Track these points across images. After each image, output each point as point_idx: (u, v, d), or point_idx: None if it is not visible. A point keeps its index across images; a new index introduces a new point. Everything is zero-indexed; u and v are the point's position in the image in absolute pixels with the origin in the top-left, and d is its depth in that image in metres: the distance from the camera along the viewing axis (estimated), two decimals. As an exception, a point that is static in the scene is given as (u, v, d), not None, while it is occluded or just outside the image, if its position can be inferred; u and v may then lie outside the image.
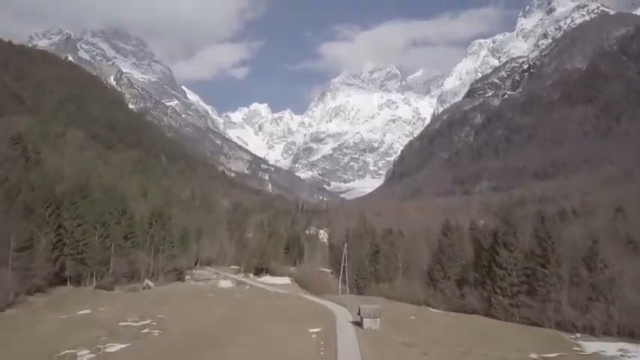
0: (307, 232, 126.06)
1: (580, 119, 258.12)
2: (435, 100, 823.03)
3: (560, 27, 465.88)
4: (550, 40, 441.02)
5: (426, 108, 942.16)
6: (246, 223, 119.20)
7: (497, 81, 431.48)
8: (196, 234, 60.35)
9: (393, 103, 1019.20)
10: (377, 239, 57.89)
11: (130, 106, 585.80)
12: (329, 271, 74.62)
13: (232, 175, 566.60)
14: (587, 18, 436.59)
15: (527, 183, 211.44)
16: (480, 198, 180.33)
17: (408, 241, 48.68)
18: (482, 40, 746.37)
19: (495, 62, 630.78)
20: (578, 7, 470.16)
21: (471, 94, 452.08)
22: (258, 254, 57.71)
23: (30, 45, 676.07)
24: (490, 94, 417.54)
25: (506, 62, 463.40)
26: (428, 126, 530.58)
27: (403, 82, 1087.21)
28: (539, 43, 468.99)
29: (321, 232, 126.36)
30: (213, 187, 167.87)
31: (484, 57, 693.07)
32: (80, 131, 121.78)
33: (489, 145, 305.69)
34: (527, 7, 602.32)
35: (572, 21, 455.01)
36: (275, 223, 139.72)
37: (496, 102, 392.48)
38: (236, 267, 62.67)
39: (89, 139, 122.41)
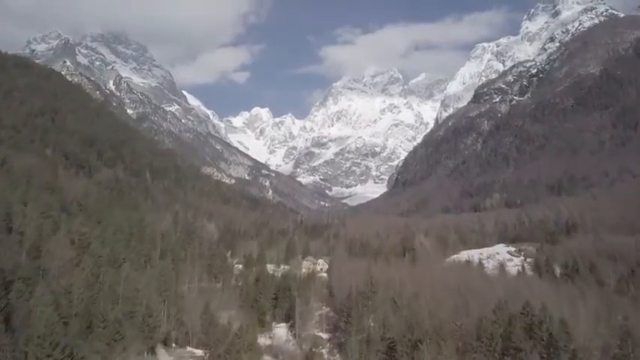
0: (304, 262, 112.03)
1: (596, 128, 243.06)
2: (438, 105, 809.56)
3: (567, 30, 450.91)
4: (558, 44, 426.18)
5: (429, 112, 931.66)
6: (233, 258, 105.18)
7: (504, 86, 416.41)
8: (147, 308, 45.58)
9: (395, 107, 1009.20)
10: (390, 329, 43.47)
11: (129, 111, 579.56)
12: (326, 337, 60.91)
13: (232, 181, 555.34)
14: (596, 21, 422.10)
15: (542, 197, 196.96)
16: (495, 216, 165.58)
17: (434, 337, 34.28)
18: (485, 44, 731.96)
19: (500, 66, 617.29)
20: (586, 10, 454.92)
21: (476, 99, 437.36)
22: (229, 338, 43.46)
23: (27, 50, 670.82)
24: (497, 99, 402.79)
25: (513, 66, 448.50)
26: (432, 132, 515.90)
27: (405, 86, 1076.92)
28: (546, 46, 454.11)
29: (320, 261, 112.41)
30: (202, 205, 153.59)
31: (488, 61, 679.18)
32: (48, 150, 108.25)
33: (499, 154, 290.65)
34: (532, 10, 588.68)
35: (580, 24, 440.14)
36: (268, 249, 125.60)
37: (504, 108, 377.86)
38: (201, 353, 48.09)
39: (59, 157, 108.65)
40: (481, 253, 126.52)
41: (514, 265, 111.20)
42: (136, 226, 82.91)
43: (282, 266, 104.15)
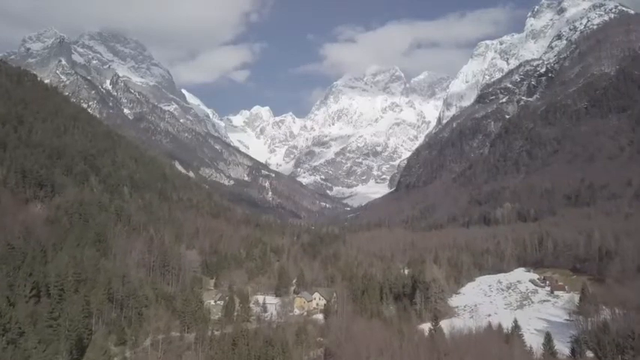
0: (298, 299, 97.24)
1: (613, 131, 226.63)
2: (440, 103, 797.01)
3: (575, 27, 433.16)
4: (566, 42, 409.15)
5: (431, 111, 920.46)
6: (217, 287, 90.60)
7: (511, 85, 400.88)
8: None
9: (397, 106, 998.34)
10: None
11: (126, 111, 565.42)
12: None
13: (231, 182, 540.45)
14: (605, 18, 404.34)
15: (558, 208, 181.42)
16: (510, 232, 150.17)
17: None
18: (489, 42, 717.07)
19: (504, 64, 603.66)
20: (595, 7, 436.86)
21: (482, 99, 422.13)
22: None
23: (23, 49, 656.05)
24: (503, 99, 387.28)
25: (519, 65, 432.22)
26: (437, 133, 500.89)
27: (407, 85, 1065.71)
28: (553, 44, 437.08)
29: (316, 295, 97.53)
30: (187, 220, 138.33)
31: (492, 59, 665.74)
32: (1, 168, 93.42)
33: (508, 159, 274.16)
34: (536, 7, 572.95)
35: (589, 21, 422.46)
36: (258, 277, 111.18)
37: (511, 109, 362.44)
38: None
39: (14, 177, 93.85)
40: (499, 281, 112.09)
41: (540, 300, 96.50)
42: (90, 267, 68.26)
43: (271, 304, 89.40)
